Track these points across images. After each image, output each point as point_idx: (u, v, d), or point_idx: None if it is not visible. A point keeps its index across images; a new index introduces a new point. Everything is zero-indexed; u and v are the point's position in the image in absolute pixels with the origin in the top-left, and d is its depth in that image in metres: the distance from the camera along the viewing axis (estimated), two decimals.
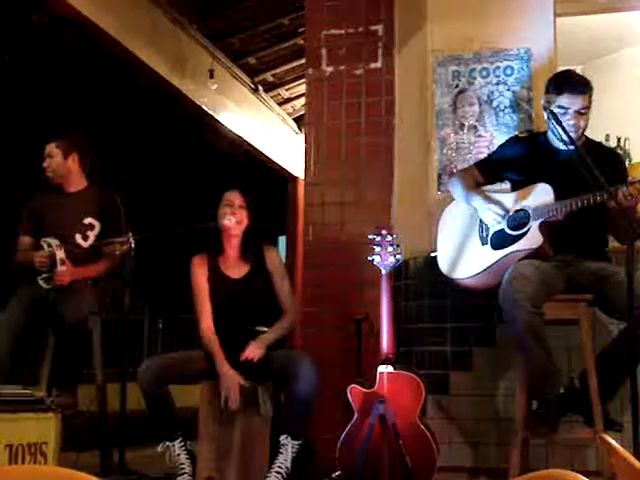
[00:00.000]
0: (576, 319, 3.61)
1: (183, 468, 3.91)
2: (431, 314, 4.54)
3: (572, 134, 3.62)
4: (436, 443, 3.70)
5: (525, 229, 3.70)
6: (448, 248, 4.03)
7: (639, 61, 6.13)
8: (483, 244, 3.87)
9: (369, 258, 3.92)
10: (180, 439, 3.94)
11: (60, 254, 4.33)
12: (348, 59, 5.06)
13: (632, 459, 1.50)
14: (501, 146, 4.14)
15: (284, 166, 9.87)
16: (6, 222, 5.28)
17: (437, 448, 3.69)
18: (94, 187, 4.79)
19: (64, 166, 4.71)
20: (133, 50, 6.36)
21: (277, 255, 4.37)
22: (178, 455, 3.92)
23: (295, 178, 10.01)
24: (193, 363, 4.06)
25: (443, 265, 4.02)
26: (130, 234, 3.98)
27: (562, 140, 3.71)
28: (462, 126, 4.79)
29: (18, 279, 4.58)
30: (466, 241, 3.95)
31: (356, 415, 3.75)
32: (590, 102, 3.75)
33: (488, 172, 4.03)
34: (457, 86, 4.82)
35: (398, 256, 3.91)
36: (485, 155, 4.37)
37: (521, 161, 3.92)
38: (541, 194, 3.70)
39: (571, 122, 3.69)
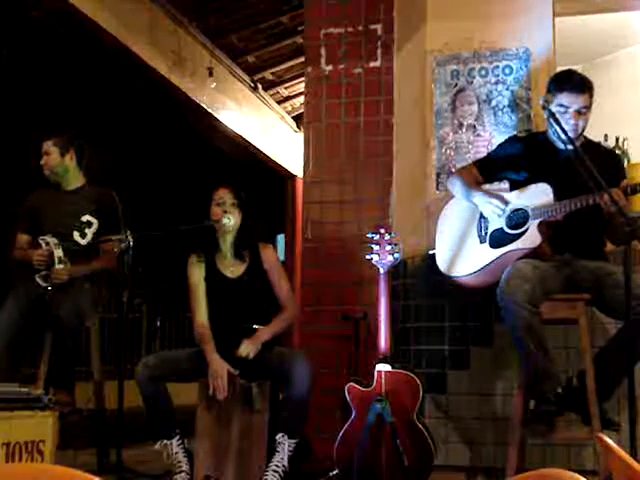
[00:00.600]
0: (574, 318, 3.61)
1: (180, 466, 3.91)
2: (429, 313, 4.54)
3: (571, 133, 3.62)
4: (433, 442, 3.70)
5: (524, 228, 3.70)
6: (446, 246, 4.03)
7: (638, 61, 6.14)
8: (481, 242, 3.86)
9: (367, 257, 3.92)
10: (178, 437, 3.93)
11: (58, 252, 4.33)
12: (347, 58, 5.06)
13: (628, 459, 1.49)
14: (500, 145, 4.14)
15: (283, 164, 9.87)
16: (4, 220, 5.27)
17: (434, 447, 3.69)
18: (92, 185, 4.79)
19: (61, 164, 4.70)
20: (132, 48, 6.35)
21: (273, 253, 4.36)
22: (176, 453, 3.92)
23: (294, 176, 10.01)
24: (191, 361, 4.06)
25: (441, 263, 4.02)
26: (128, 232, 3.97)
27: (561, 140, 3.71)
28: (461, 125, 4.79)
29: (16, 277, 4.57)
30: (464, 239, 3.95)
31: (354, 414, 3.75)
32: (591, 102, 3.75)
33: (487, 171, 4.03)
34: (456, 85, 4.83)
35: (396, 255, 3.91)
36: (484, 154, 4.37)
37: (520, 161, 3.92)
38: (540, 194, 3.69)
39: (571, 121, 3.69)
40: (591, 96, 3.75)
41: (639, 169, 4.96)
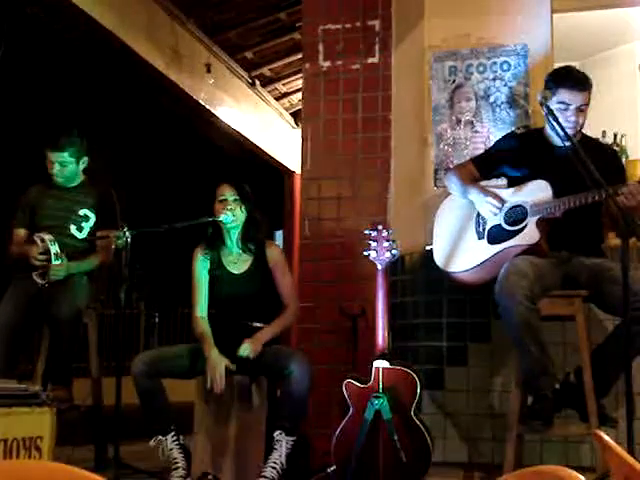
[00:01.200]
0: (572, 315, 3.62)
1: (177, 463, 3.90)
2: (427, 309, 4.55)
3: (570, 130, 3.62)
4: (431, 438, 3.70)
5: (522, 225, 3.70)
6: (444, 242, 4.03)
7: (636, 57, 6.14)
8: (479, 238, 3.86)
9: (365, 253, 3.91)
10: (173, 433, 3.92)
11: (54, 248, 4.32)
12: (345, 54, 5.06)
13: (626, 455, 1.49)
14: (498, 142, 4.14)
15: (281, 161, 9.87)
16: (2, 215, 5.26)
17: (432, 443, 3.69)
18: (90, 180, 4.78)
19: (75, 170, 4.70)
20: (130, 44, 6.35)
21: (278, 251, 4.35)
22: (171, 450, 3.91)
23: (292, 173, 10.01)
24: (188, 358, 4.05)
25: (439, 259, 4.02)
26: (126, 228, 3.97)
27: (559, 136, 3.70)
28: (459, 121, 4.79)
29: (13, 273, 4.57)
30: (462, 235, 3.95)
31: (351, 410, 3.75)
32: (589, 99, 3.75)
33: (485, 167, 4.02)
34: (454, 81, 4.83)
35: (394, 251, 3.90)
36: (482, 151, 4.37)
37: (518, 157, 3.92)
38: (538, 190, 3.70)
39: (572, 118, 3.69)
40: (590, 93, 3.75)
41: (637, 165, 4.98)
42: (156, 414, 3.96)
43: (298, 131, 8.42)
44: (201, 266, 4.21)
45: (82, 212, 4.65)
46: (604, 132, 5.26)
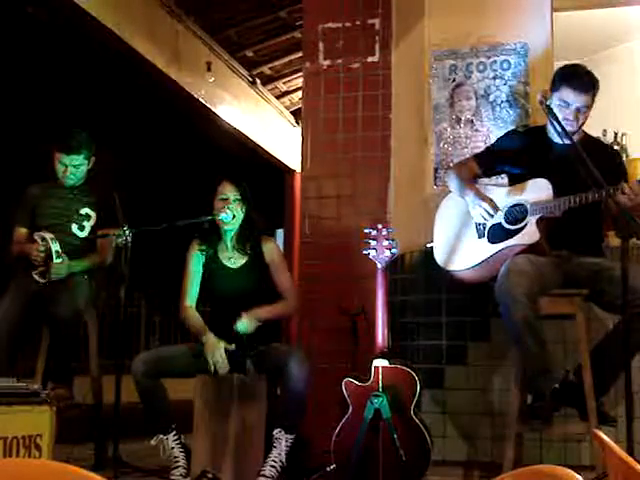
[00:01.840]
0: (572, 314, 3.62)
1: (177, 461, 3.91)
2: (426, 308, 4.55)
3: (569, 128, 3.61)
4: (430, 437, 3.70)
5: (522, 224, 3.70)
6: (444, 240, 4.03)
7: (636, 56, 6.13)
8: (480, 237, 3.86)
9: (365, 252, 3.92)
10: (174, 432, 3.93)
11: (55, 247, 4.32)
12: (345, 53, 5.05)
13: (624, 455, 1.49)
14: (500, 139, 4.13)
15: (281, 159, 9.86)
16: (3, 214, 5.26)
17: (431, 442, 3.70)
18: (91, 179, 4.78)
19: (86, 171, 4.71)
20: (130, 42, 6.34)
21: (275, 247, 4.35)
22: (172, 448, 3.92)
23: (292, 171, 10.00)
24: (188, 357, 4.06)
25: (439, 256, 4.02)
26: (126, 226, 3.97)
27: (559, 135, 3.70)
28: (459, 120, 4.79)
29: (14, 271, 4.57)
30: (463, 233, 3.95)
31: (351, 409, 3.75)
32: (593, 101, 3.74)
33: (486, 165, 4.02)
34: (454, 80, 4.83)
35: (394, 250, 3.91)
36: (482, 149, 4.37)
37: (519, 155, 3.91)
38: (539, 189, 3.69)
39: (569, 117, 3.68)
40: (594, 95, 3.73)
41: (638, 164, 4.97)
42: (157, 413, 3.96)
43: (298, 130, 8.41)
44: (196, 260, 4.22)
45: (83, 211, 4.66)
46: (604, 131, 5.26)
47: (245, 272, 4.19)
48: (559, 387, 3.54)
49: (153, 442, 3.95)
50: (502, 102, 4.73)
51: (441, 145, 4.81)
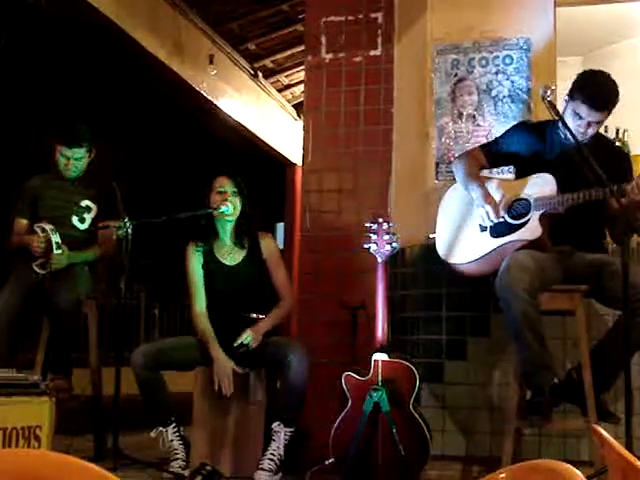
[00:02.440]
0: (572, 310, 3.61)
1: (177, 453, 3.92)
2: (426, 303, 4.55)
3: (577, 136, 3.58)
4: (429, 432, 3.71)
5: (525, 219, 3.69)
6: (447, 232, 4.02)
7: (639, 52, 6.12)
8: (482, 231, 3.85)
9: (365, 246, 3.91)
10: (173, 425, 3.94)
11: (55, 238, 4.32)
12: (347, 46, 5.05)
13: (623, 450, 1.49)
14: (508, 131, 4.08)
15: (282, 153, 9.86)
16: (3, 206, 5.26)
17: (430, 436, 3.70)
18: (92, 171, 4.78)
19: (87, 164, 4.71)
20: (132, 34, 6.34)
21: (272, 242, 4.37)
22: (171, 441, 3.93)
23: (293, 165, 10.00)
24: (188, 349, 4.07)
25: (441, 248, 4.01)
26: (127, 218, 3.98)
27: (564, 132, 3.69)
28: (461, 115, 4.79)
29: (14, 263, 4.57)
30: (465, 226, 3.94)
31: (350, 403, 3.75)
32: (609, 114, 3.69)
33: (493, 157, 3.99)
34: (456, 75, 4.82)
35: (394, 244, 3.90)
36: (490, 139, 4.35)
37: (526, 149, 3.88)
38: (543, 184, 3.68)
39: (580, 129, 3.64)
40: (611, 110, 3.68)
41: (639, 161, 4.96)
42: (156, 406, 3.97)
43: (300, 123, 8.41)
44: (196, 261, 4.22)
45: (83, 203, 4.66)
46: (606, 127, 5.24)
47: (242, 269, 4.20)
48: (559, 383, 3.54)
49: (153, 434, 3.96)
50: (504, 97, 4.72)
51: (443, 140, 4.80)
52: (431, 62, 4.87)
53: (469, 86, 4.79)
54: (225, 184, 4.18)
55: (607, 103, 3.66)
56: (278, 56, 8.62)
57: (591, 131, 3.69)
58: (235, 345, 3.98)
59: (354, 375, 3.78)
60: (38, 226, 4.43)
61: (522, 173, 3.87)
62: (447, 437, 4.35)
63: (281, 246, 9.18)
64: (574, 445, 4.10)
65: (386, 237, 3.89)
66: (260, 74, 8.73)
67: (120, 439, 3.95)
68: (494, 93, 4.74)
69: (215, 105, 7.92)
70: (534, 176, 3.75)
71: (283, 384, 3.93)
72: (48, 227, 4.38)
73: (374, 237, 3.90)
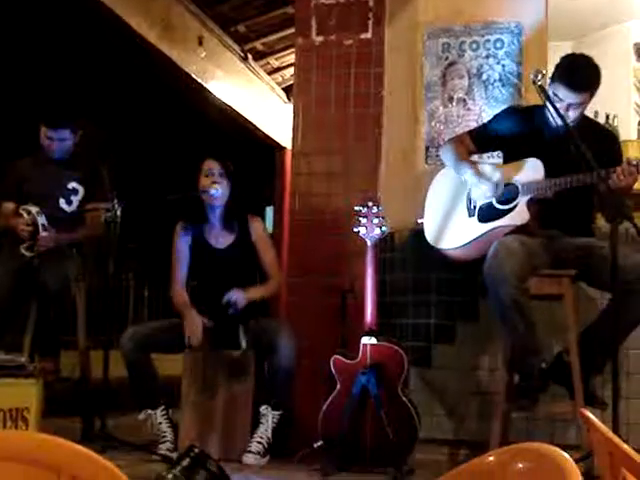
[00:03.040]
0: (560, 294, 3.62)
1: (165, 436, 3.93)
2: (415, 287, 4.55)
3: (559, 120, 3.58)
4: (418, 415, 3.72)
5: (513, 204, 3.69)
6: (435, 217, 4.01)
7: (629, 37, 6.12)
8: (470, 216, 3.85)
9: (355, 229, 3.91)
10: (162, 407, 3.95)
11: (41, 220, 4.31)
12: (338, 29, 5.02)
13: (610, 434, 1.50)
14: (496, 116, 4.08)
15: (272, 136, 9.82)
16: None
17: (419, 420, 3.71)
18: (78, 152, 4.75)
19: (72, 145, 4.68)
20: (121, 15, 6.28)
21: (261, 226, 4.38)
22: (160, 423, 3.94)
23: (283, 148, 9.97)
24: (176, 332, 4.06)
25: (429, 234, 4.01)
26: (115, 200, 3.96)
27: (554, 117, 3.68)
28: (451, 99, 4.77)
29: (1, 245, 4.55)
30: (453, 211, 3.94)
31: (339, 386, 3.76)
32: (590, 97, 3.66)
33: (481, 141, 3.99)
34: (447, 59, 4.80)
35: (384, 228, 3.91)
36: (479, 125, 4.34)
37: (515, 133, 3.87)
38: (531, 169, 3.67)
39: (561, 111, 3.64)
40: (593, 92, 3.65)
41: (628, 146, 4.97)
42: (145, 388, 3.98)
43: (289, 106, 8.38)
44: (182, 241, 4.24)
45: (71, 185, 4.64)
46: (596, 112, 5.24)
47: (231, 252, 4.20)
48: (549, 366, 3.55)
49: (141, 417, 3.97)
50: (495, 81, 4.71)
51: (433, 124, 4.79)
52: (422, 45, 4.85)
53: (460, 70, 4.77)
54: (213, 167, 4.18)
55: (585, 85, 3.64)
56: (268, 38, 8.57)
57: (572, 114, 3.67)
58: (222, 303, 3.99)
59: (342, 358, 3.79)
60: (24, 209, 4.42)
61: (510, 158, 3.86)
62: (435, 421, 4.36)
63: (270, 230, 9.17)
64: (562, 429, 4.11)
65: (376, 221, 3.89)
66: (250, 56, 8.68)
67: (108, 421, 3.95)
68: (485, 77, 4.73)
69: (204, 87, 7.87)
70: (522, 162, 3.74)
71: (271, 367, 3.94)
72: (34, 209, 4.36)
73: (364, 221, 3.90)
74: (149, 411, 3.95)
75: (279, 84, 9.68)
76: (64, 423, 4.27)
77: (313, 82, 5.03)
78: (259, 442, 3.84)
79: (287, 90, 9.59)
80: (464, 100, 4.75)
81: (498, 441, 3.65)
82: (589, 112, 4.64)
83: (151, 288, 12.11)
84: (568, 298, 3.60)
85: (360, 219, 3.91)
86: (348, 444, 3.67)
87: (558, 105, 3.61)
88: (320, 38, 5.05)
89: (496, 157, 4.20)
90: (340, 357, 3.80)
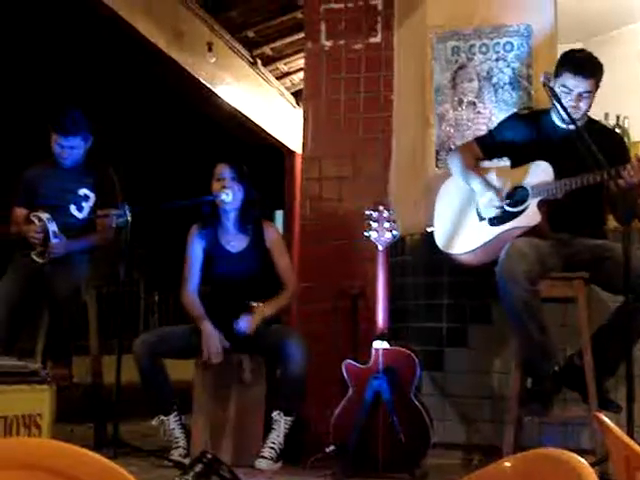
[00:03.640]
0: (573, 297, 3.61)
1: (177, 442, 3.93)
2: (427, 290, 4.54)
3: (573, 114, 3.59)
4: (430, 419, 3.71)
5: (523, 206, 3.69)
6: (445, 223, 4.02)
7: (639, 39, 6.09)
8: (480, 220, 3.85)
9: (366, 234, 3.91)
10: (175, 413, 3.95)
11: (52, 226, 4.32)
12: (347, 33, 5.02)
13: (626, 438, 1.49)
14: (502, 122, 4.11)
15: (282, 140, 9.83)
16: (4, 194, 5.24)
17: (431, 424, 3.70)
18: (89, 159, 4.76)
19: (84, 152, 4.69)
20: (131, 21, 6.30)
21: (276, 231, 4.39)
22: (172, 429, 3.93)
23: (293, 152, 9.97)
24: (188, 337, 4.06)
25: (440, 240, 4.01)
26: (126, 206, 3.97)
27: (562, 119, 3.69)
28: (461, 102, 4.76)
29: (14, 252, 4.57)
30: (463, 216, 3.94)
31: (351, 391, 3.76)
32: (597, 86, 3.70)
33: (488, 148, 4.00)
34: (456, 62, 4.79)
35: (395, 232, 3.90)
36: (484, 132, 4.35)
37: (521, 138, 3.89)
38: (540, 172, 3.68)
39: (571, 103, 3.65)
40: (598, 81, 3.69)
41: (639, 147, 4.95)
42: (158, 394, 3.98)
43: (299, 111, 8.38)
44: (196, 243, 4.23)
45: (82, 192, 4.64)
46: (607, 114, 5.22)
47: (246, 256, 4.20)
48: (561, 370, 3.54)
49: (154, 422, 3.97)
50: (505, 84, 4.70)
51: (443, 127, 4.78)
52: (431, 49, 4.84)
53: (469, 73, 4.76)
54: (225, 171, 4.17)
55: (592, 70, 3.69)
56: (277, 43, 8.58)
57: (583, 105, 3.68)
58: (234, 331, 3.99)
59: (354, 363, 3.78)
60: (34, 215, 4.43)
61: (518, 163, 3.86)
62: (448, 425, 4.35)
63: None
64: (575, 433, 4.09)
65: (386, 225, 3.88)
66: (259, 61, 8.69)
67: (121, 427, 3.95)
68: (494, 80, 4.72)
69: (214, 93, 7.89)
70: (531, 164, 3.75)
71: (283, 374, 3.93)
72: (44, 216, 4.37)
73: (374, 225, 3.90)
74: (162, 417, 3.95)
75: (288, 89, 9.69)
76: (77, 429, 4.27)
77: (323, 86, 5.03)
78: (271, 448, 3.83)
79: (296, 95, 9.60)
80: (474, 103, 4.74)
81: (511, 445, 3.64)
82: (599, 114, 4.65)
83: (161, 293, 12.15)
84: (581, 301, 3.58)
85: (371, 223, 3.90)
86: (360, 449, 3.66)
87: (568, 98, 3.62)
88: (329, 43, 5.06)
89: (506, 160, 4.19)
90: (352, 362, 3.79)
